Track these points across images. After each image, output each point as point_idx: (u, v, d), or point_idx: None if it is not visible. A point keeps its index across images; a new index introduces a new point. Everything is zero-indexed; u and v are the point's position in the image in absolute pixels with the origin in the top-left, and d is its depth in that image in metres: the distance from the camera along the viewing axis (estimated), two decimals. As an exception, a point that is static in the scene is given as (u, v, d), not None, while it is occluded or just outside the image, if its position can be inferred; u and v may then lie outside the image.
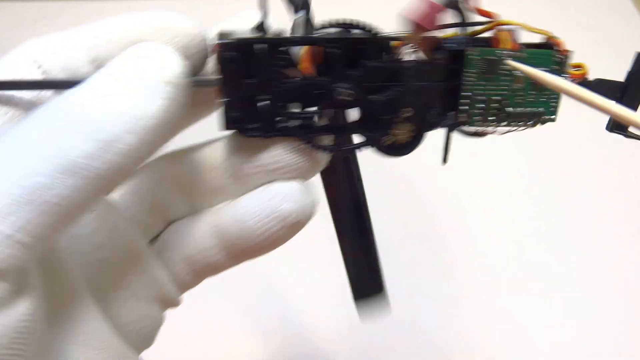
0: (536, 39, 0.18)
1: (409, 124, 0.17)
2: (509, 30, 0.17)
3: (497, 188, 0.49)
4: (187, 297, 0.19)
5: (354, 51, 0.16)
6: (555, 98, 0.18)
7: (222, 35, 0.16)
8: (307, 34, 0.16)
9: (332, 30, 0.16)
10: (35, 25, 0.63)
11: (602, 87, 0.17)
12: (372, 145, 0.17)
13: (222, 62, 0.15)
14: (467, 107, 0.17)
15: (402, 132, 0.17)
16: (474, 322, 0.42)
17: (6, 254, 0.12)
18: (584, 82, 0.17)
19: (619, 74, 0.17)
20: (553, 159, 0.51)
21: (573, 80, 0.17)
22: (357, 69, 0.16)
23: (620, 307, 0.43)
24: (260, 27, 0.16)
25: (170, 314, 0.19)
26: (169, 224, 0.18)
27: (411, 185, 0.48)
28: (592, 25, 0.62)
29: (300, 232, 0.17)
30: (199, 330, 0.41)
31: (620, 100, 0.17)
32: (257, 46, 0.15)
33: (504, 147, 0.46)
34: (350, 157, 0.21)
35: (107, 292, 0.17)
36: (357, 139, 0.18)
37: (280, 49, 0.16)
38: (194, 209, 0.18)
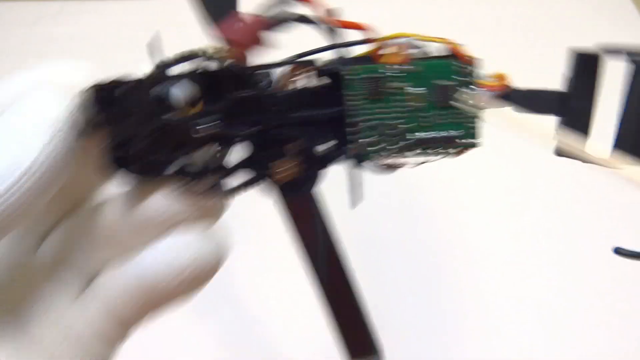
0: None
1: (294, 159, 0.15)
2: (399, 44, 0.14)
3: (495, 196, 0.49)
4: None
5: (217, 84, 0.14)
6: (472, 119, 0.15)
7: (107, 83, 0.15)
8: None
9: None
10: (35, 25, 0.63)
11: (535, 98, 0.15)
12: (260, 183, 0.15)
13: (98, 108, 0.15)
14: (356, 137, 0.15)
15: (284, 169, 0.15)
16: (471, 329, 0.42)
17: None
18: (508, 94, 0.15)
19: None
20: (551, 166, 0.50)
21: (490, 92, 0.15)
22: (220, 102, 0.14)
23: (617, 319, 0.43)
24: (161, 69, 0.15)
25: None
26: (91, 279, 0.17)
27: (408, 192, 0.48)
28: (592, 25, 0.62)
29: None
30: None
31: (560, 114, 0.15)
32: (118, 86, 0.15)
33: (499, 158, 0.46)
34: (312, 200, 0.19)
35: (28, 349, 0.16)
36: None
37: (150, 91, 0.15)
38: (113, 262, 0.17)
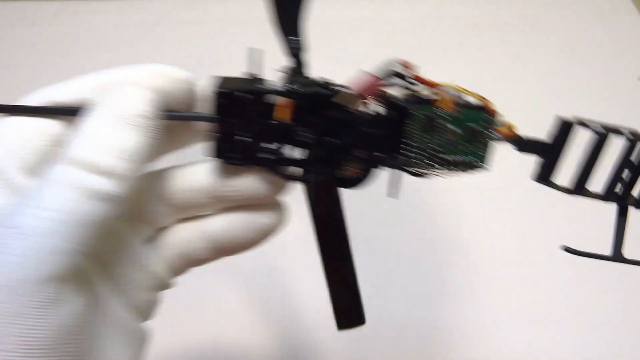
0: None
1: (359, 163, 0.20)
2: (451, 95, 0.20)
3: (497, 190, 0.49)
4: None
5: (318, 103, 0.19)
6: (483, 150, 0.21)
7: (221, 81, 0.19)
8: (291, 85, 0.19)
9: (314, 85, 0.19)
10: (35, 25, 0.63)
11: (529, 143, 0.21)
12: (328, 177, 0.21)
13: (217, 107, 0.19)
14: (407, 152, 0.20)
15: (352, 169, 0.20)
16: (472, 321, 0.42)
17: (69, 261, 0.16)
18: (513, 138, 0.21)
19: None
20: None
21: (502, 137, 0.21)
22: (318, 117, 0.19)
23: (616, 315, 0.43)
24: (254, 78, 0.19)
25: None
26: (159, 229, 0.22)
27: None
28: (592, 25, 0.62)
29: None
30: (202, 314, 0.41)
31: (542, 156, 0.21)
32: (241, 95, 0.19)
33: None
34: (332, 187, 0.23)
35: (116, 285, 0.20)
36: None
37: (263, 97, 0.19)
38: (181, 218, 0.22)
